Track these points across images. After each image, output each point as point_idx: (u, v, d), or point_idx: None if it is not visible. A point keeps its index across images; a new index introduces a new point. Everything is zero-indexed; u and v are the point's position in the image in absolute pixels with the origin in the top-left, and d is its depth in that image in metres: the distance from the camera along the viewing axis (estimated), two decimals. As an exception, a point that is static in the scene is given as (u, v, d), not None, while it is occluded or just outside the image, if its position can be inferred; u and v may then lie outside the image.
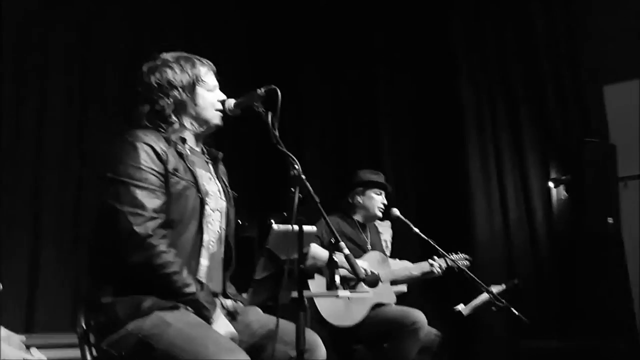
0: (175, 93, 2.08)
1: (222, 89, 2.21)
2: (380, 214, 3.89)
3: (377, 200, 3.83)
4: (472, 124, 5.03)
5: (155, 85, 2.08)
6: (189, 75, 2.11)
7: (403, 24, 5.45)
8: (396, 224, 4.09)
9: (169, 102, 2.07)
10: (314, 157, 5.45)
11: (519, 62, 4.94)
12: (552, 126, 4.74)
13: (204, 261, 2.06)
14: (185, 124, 2.11)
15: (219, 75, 2.22)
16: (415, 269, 3.79)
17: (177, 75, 2.09)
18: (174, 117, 2.08)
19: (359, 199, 3.84)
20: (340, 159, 5.49)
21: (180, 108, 2.10)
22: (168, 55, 2.15)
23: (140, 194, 1.92)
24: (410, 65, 5.42)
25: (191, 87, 2.11)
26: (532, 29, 4.92)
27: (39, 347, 3.06)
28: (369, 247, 3.79)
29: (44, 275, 3.66)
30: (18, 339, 2.96)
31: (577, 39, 4.76)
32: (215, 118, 2.16)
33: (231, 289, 2.24)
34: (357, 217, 3.87)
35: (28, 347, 3.02)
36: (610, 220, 4.10)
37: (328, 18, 5.58)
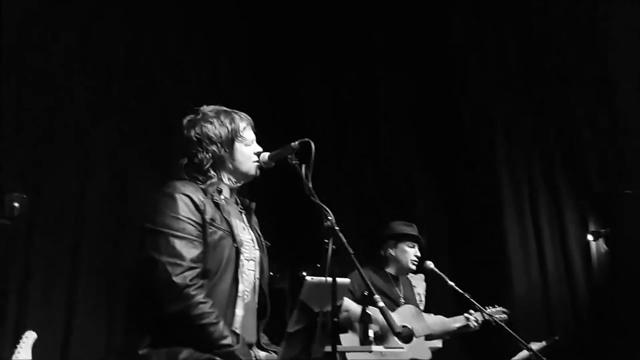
0: (214, 148, 2.13)
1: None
2: (413, 267, 3.83)
3: (410, 253, 3.78)
4: (507, 178, 4.97)
5: (195, 139, 2.14)
6: (228, 130, 2.16)
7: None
8: (430, 277, 4.02)
9: (207, 156, 2.12)
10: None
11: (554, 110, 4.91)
12: (588, 176, 4.65)
13: (239, 311, 2.07)
14: (223, 178, 2.15)
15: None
16: (450, 322, 3.70)
17: (216, 130, 2.14)
18: (212, 172, 2.13)
19: (392, 251, 3.80)
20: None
21: (219, 163, 2.14)
22: (208, 109, 2.21)
23: (179, 244, 1.95)
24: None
25: (230, 143, 2.16)
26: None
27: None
28: (402, 301, 3.72)
29: (78, 325, 3.67)
30: None
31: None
32: (252, 170, 2.20)
33: (264, 339, 2.22)
34: (390, 270, 3.81)
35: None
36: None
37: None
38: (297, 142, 2.08)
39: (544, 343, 3.40)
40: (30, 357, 2.94)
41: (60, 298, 3.71)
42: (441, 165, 5.35)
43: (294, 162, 2.07)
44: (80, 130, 4.07)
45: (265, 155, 2.19)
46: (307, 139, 2.05)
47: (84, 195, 3.98)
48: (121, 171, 4.18)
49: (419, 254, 3.81)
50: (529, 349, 3.27)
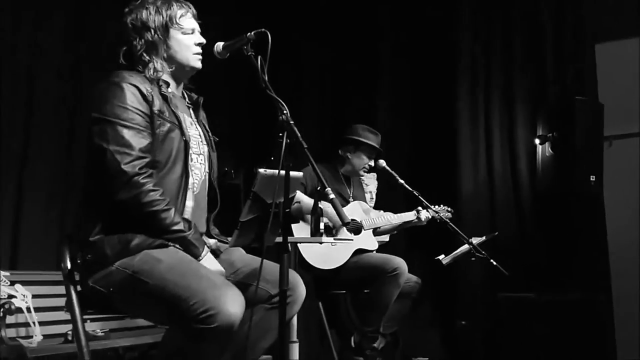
0: (148, 34, 2.09)
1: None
2: (363, 174, 3.95)
3: (364, 161, 3.85)
4: (464, 76, 4.99)
5: (130, 25, 2.11)
6: (163, 16, 2.11)
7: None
8: (382, 175, 4.13)
9: (141, 42, 2.09)
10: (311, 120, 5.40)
11: (520, 18, 4.89)
12: (545, 84, 4.73)
13: (189, 202, 2.10)
14: (156, 64, 2.10)
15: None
16: (397, 218, 3.86)
17: (151, 16, 2.10)
18: (146, 57, 2.09)
19: (349, 155, 3.86)
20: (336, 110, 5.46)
21: (152, 48, 2.10)
22: None
23: (128, 134, 1.94)
24: (410, 14, 5.32)
25: (164, 29, 2.11)
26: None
27: (23, 283, 3.10)
28: (351, 199, 3.84)
29: (27, 212, 3.65)
30: None
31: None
32: (192, 60, 2.16)
33: (215, 231, 2.27)
34: (342, 170, 3.90)
35: (12, 283, 3.06)
36: (592, 178, 4.15)
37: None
38: (252, 32, 2.03)
39: (484, 238, 3.59)
40: None
41: (9, 178, 3.62)
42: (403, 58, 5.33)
43: (249, 53, 2.03)
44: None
45: (220, 45, 2.13)
46: (263, 29, 2.00)
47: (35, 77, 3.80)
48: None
49: (372, 164, 3.88)
50: (470, 243, 3.47)
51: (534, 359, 3.84)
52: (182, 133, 2.07)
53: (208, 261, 1.98)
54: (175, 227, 1.94)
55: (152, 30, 2.09)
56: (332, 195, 1.83)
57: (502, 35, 4.94)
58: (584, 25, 4.65)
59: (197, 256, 1.96)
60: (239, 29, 2.19)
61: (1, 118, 3.56)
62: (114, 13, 4.01)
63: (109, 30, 4.04)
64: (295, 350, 3.02)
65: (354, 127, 3.90)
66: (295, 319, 2.87)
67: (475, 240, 3.49)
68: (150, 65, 2.08)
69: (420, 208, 3.85)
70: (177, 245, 1.95)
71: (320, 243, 3.34)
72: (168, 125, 2.03)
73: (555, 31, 4.76)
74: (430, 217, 3.84)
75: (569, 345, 3.76)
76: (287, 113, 1.91)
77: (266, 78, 1.97)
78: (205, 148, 2.21)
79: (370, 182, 4.30)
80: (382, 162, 3.87)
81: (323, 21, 5.51)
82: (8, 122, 3.61)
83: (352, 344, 3.67)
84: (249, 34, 2.05)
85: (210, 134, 2.28)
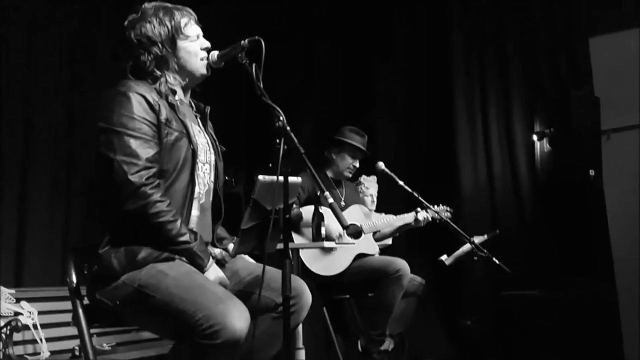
0: (155, 49, 2.07)
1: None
2: (349, 176, 3.92)
3: (348, 162, 3.84)
4: (460, 74, 5.01)
5: (135, 41, 2.07)
6: (168, 28, 2.08)
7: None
8: (382, 178, 4.13)
9: (150, 58, 2.07)
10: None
11: (513, 12, 4.91)
12: (540, 78, 4.75)
13: (195, 212, 2.10)
14: (169, 78, 2.10)
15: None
16: (398, 220, 3.86)
17: (155, 29, 2.07)
18: (157, 72, 2.08)
19: (334, 155, 3.86)
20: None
21: (163, 63, 2.09)
22: (148, 7, 2.12)
23: (134, 143, 1.93)
24: (406, 11, 5.34)
25: (171, 41, 2.09)
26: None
27: (29, 300, 3.11)
28: (343, 203, 3.83)
29: (30, 229, 3.66)
30: None
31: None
32: (201, 68, 2.15)
33: (224, 233, 2.28)
34: (329, 172, 3.89)
35: (18, 300, 3.06)
36: (592, 172, 4.15)
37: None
38: (246, 40, 2.03)
39: (485, 237, 3.60)
40: None
41: (11, 194, 3.63)
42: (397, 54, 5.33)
43: (244, 61, 2.03)
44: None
45: (215, 54, 2.13)
46: (257, 37, 2.01)
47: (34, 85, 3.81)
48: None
49: (357, 165, 3.87)
50: (471, 242, 3.47)
51: (541, 356, 3.83)
52: (190, 141, 2.06)
53: (213, 272, 1.98)
54: (182, 239, 1.94)
55: (160, 44, 2.07)
56: (330, 200, 1.84)
57: (496, 33, 4.96)
58: (578, 18, 4.67)
59: (202, 267, 1.96)
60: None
61: (2, 135, 3.57)
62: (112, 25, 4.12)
63: (106, 44, 4.10)
64: (301, 356, 3.02)
65: (341, 129, 3.90)
66: (300, 325, 2.87)
67: (477, 239, 3.50)
68: (162, 79, 2.07)
69: (418, 209, 3.85)
70: (183, 258, 1.95)
71: (322, 248, 3.35)
72: (175, 134, 2.02)
73: (548, 26, 4.78)
74: (428, 218, 3.84)
75: (575, 341, 3.75)
76: (283, 119, 1.91)
77: (261, 85, 1.98)
78: (213, 157, 2.20)
79: (371, 186, 4.30)
80: (381, 165, 3.87)
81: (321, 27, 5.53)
82: (9, 138, 3.63)
83: (359, 348, 3.67)
84: (242, 42, 2.04)
85: (217, 142, 2.27)
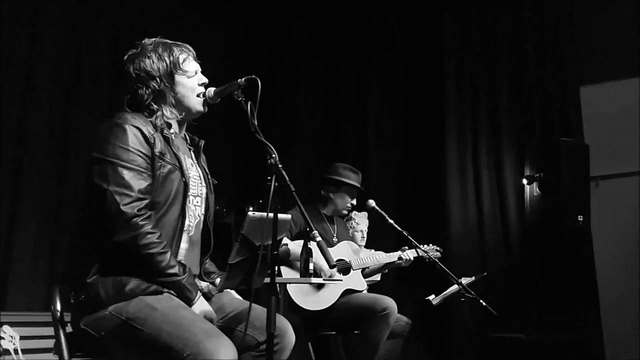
0: (154, 83, 2.10)
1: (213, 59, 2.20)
2: (346, 213, 3.99)
3: (347, 200, 3.89)
4: (452, 117, 5.10)
5: (134, 75, 2.10)
6: (166, 63, 2.12)
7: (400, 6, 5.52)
8: (372, 215, 4.15)
9: (147, 92, 2.09)
10: (307, 137, 5.49)
11: (506, 58, 5.03)
12: (531, 125, 4.84)
13: (183, 244, 2.10)
14: (166, 112, 2.13)
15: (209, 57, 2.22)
16: (385, 257, 3.87)
17: (154, 64, 2.10)
18: (154, 106, 2.10)
19: (331, 195, 3.90)
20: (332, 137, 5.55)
21: (160, 97, 2.11)
22: (148, 43, 2.16)
23: (128, 175, 1.94)
24: (402, 48, 5.45)
25: (169, 76, 2.12)
26: (521, 28, 5.01)
27: (11, 324, 3.08)
28: (335, 239, 3.85)
29: (17, 253, 3.64)
30: None
31: (562, 39, 4.84)
32: (197, 105, 2.18)
33: (212, 267, 2.28)
34: (325, 211, 3.93)
35: (0, 324, 3.03)
36: (580, 218, 4.19)
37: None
38: (243, 79, 2.07)
39: (473, 278, 3.61)
40: None
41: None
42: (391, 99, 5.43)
43: (240, 98, 2.06)
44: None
45: (211, 91, 2.17)
46: (253, 76, 2.05)
47: (27, 117, 3.83)
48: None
49: (354, 203, 3.92)
50: (459, 283, 3.48)
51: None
52: (182, 174, 2.07)
53: (200, 305, 1.98)
54: (171, 271, 1.94)
55: (158, 79, 2.10)
56: (318, 238, 1.86)
57: (489, 79, 5.06)
58: (570, 67, 4.79)
59: (190, 300, 1.95)
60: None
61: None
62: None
63: (101, 65, 4.14)
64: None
65: (335, 167, 3.93)
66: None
67: (464, 281, 3.51)
68: (159, 113, 2.10)
69: (405, 248, 3.87)
70: (172, 292, 1.95)
71: (310, 283, 3.35)
72: (169, 166, 2.04)
73: (540, 74, 4.89)
74: (412, 258, 3.86)
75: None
76: (275, 157, 1.94)
77: (256, 123, 2.01)
78: (204, 190, 2.21)
79: (361, 222, 4.32)
80: (372, 202, 3.90)
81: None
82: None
83: (344, 385, 3.64)
84: (239, 80, 2.09)
85: (209, 176, 2.29)
